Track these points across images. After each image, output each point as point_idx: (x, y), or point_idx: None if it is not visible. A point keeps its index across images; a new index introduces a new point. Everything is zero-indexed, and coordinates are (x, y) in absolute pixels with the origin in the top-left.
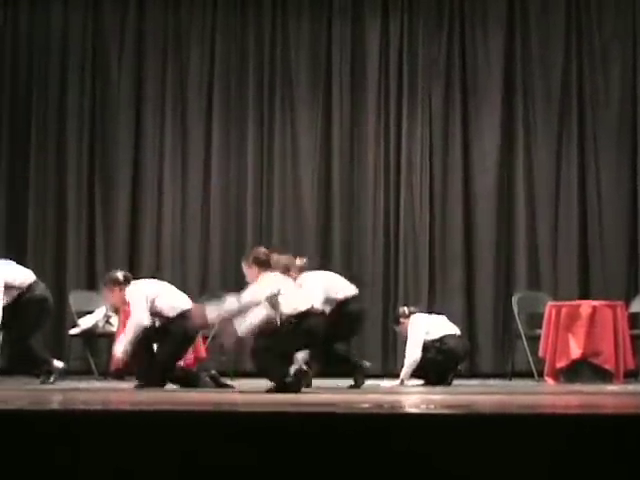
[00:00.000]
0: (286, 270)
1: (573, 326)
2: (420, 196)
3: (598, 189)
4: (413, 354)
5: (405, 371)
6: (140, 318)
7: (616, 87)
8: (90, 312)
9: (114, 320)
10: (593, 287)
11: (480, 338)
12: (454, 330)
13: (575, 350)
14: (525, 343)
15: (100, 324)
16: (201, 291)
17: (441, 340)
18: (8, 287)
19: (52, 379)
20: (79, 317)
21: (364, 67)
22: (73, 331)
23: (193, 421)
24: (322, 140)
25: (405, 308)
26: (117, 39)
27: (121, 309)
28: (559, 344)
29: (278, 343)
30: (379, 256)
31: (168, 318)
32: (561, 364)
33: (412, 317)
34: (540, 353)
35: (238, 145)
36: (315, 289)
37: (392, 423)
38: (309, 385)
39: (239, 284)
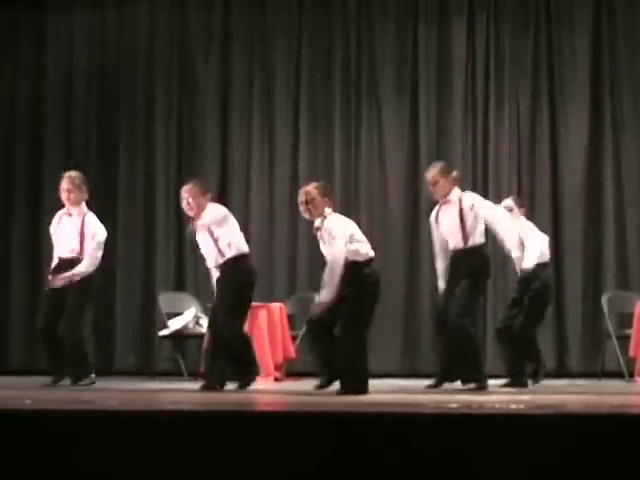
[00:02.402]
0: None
1: None
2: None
3: None
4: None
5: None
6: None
7: None
8: (179, 314)
9: (204, 321)
10: None
11: (570, 338)
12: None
13: None
14: (615, 343)
15: (190, 325)
16: (289, 291)
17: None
18: None
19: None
20: (169, 318)
21: (450, 68)
22: (163, 332)
23: (267, 422)
24: (409, 141)
25: None
26: (203, 40)
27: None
28: None
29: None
30: None
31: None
32: None
33: None
34: (630, 353)
35: (325, 146)
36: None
37: (483, 423)
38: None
39: None
